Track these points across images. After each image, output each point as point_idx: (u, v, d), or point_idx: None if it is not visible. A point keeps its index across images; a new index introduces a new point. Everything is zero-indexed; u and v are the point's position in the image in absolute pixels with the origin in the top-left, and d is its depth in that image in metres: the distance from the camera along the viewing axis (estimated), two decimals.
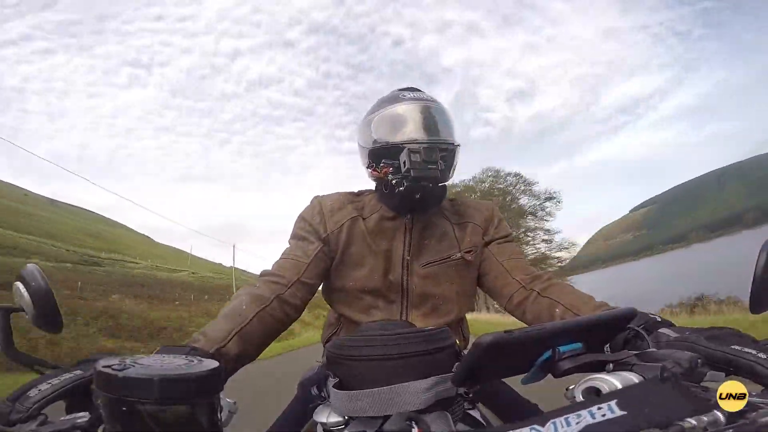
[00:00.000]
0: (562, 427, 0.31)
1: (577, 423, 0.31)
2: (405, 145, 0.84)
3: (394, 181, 0.85)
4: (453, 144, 0.89)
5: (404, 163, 0.82)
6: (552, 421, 0.32)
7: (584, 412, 0.32)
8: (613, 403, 0.32)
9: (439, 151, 0.84)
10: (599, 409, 0.32)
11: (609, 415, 0.31)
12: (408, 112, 0.89)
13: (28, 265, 0.59)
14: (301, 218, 0.96)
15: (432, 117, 0.89)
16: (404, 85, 0.99)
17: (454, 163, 0.91)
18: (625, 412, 0.31)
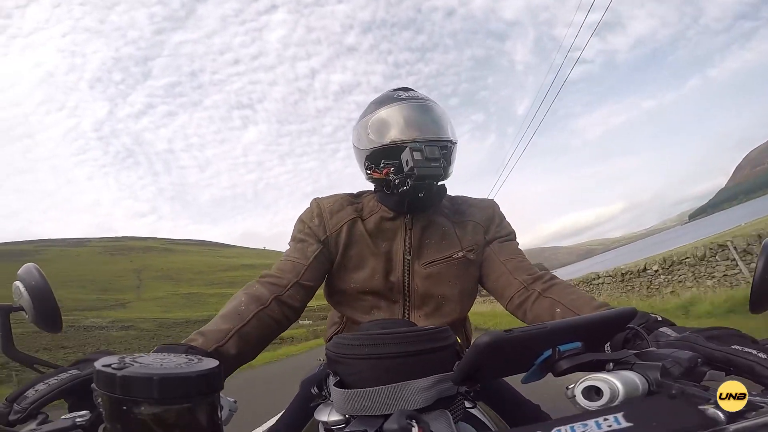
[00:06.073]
0: None
1: None
2: (406, 144, 0.84)
3: (396, 181, 0.85)
4: (452, 141, 0.90)
5: (407, 162, 0.82)
6: (557, 428, 0.32)
7: (590, 422, 0.32)
8: (619, 415, 0.32)
9: (440, 148, 0.84)
10: (605, 420, 0.32)
11: (615, 426, 0.31)
12: (405, 111, 0.88)
13: (26, 264, 0.59)
14: (300, 221, 0.95)
15: (429, 115, 0.89)
16: (400, 84, 0.99)
17: (453, 159, 0.92)
18: (632, 424, 0.31)
